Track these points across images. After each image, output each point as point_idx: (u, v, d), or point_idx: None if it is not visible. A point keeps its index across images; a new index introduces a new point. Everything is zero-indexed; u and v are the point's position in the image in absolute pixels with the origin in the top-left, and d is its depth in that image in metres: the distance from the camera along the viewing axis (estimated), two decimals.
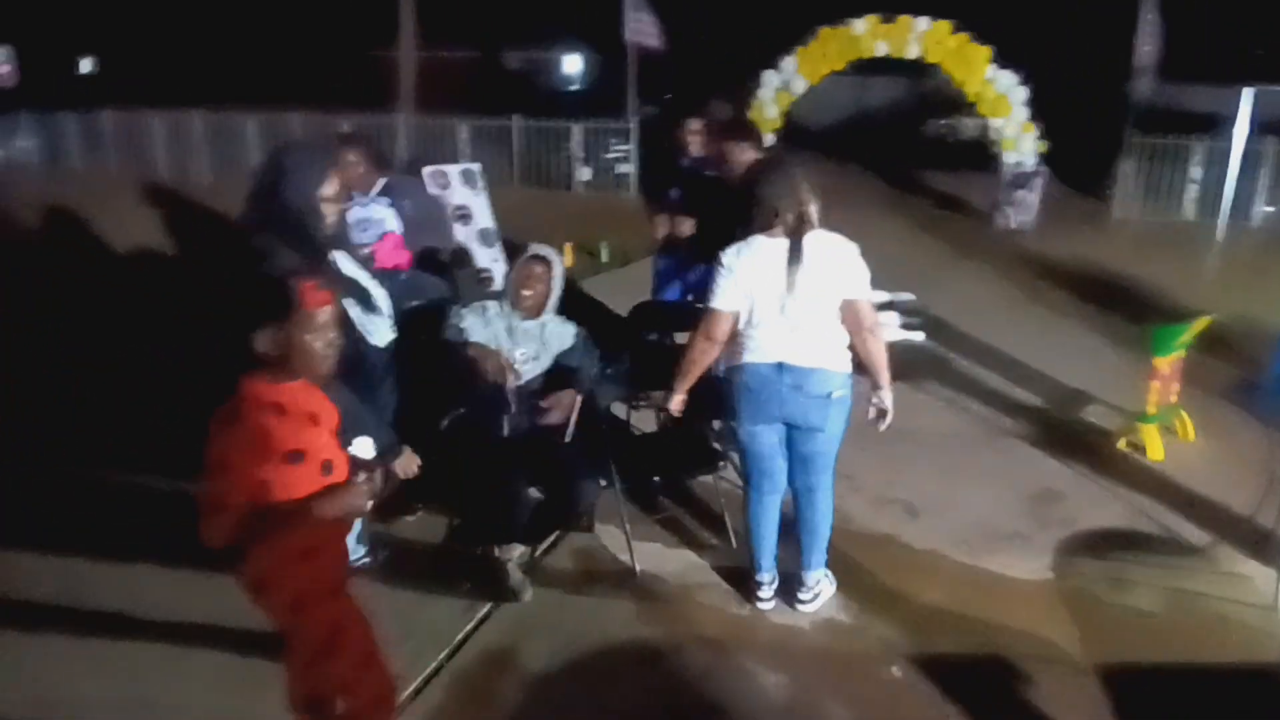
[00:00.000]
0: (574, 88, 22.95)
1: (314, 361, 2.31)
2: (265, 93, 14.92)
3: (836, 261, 3.23)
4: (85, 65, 26.15)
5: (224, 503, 2.18)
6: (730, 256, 3.26)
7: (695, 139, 5.26)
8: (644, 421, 4.64)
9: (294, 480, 2.25)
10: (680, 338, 3.98)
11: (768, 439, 3.40)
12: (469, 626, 3.47)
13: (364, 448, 2.65)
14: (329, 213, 3.13)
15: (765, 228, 3.23)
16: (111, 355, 6.37)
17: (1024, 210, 11.41)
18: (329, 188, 3.10)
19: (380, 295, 3.46)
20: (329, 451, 2.35)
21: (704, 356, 3.39)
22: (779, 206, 3.20)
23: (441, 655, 3.31)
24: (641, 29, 12.38)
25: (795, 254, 3.15)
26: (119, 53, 23.86)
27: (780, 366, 3.25)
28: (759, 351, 3.27)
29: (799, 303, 3.19)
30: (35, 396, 5.72)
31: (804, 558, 3.57)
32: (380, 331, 3.46)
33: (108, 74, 23.20)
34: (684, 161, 5.31)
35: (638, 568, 3.84)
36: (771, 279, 3.19)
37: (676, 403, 3.47)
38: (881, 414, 3.41)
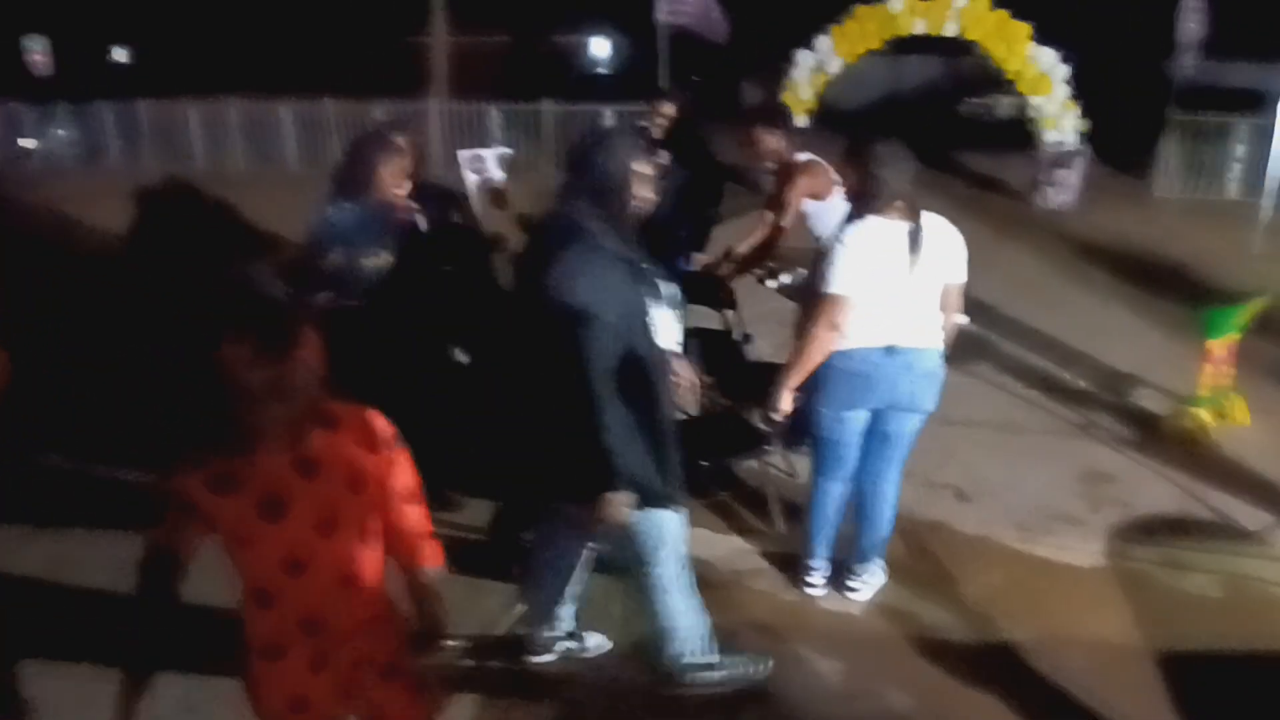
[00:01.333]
0: (605, 71, 22.94)
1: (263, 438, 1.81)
2: (299, 81, 14.99)
3: (948, 246, 3.21)
4: (119, 54, 26.44)
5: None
6: (850, 239, 3.12)
7: (661, 123, 5.12)
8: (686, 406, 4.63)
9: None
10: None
11: (854, 427, 3.33)
12: (518, 610, 3.49)
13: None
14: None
15: (881, 209, 3.13)
16: (138, 348, 6.42)
17: (1064, 190, 11.26)
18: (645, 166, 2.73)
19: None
20: (294, 548, 1.85)
21: (826, 347, 3.16)
22: (899, 189, 3.15)
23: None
24: (679, 8, 12.24)
25: (916, 237, 3.10)
26: (153, 42, 24.09)
27: (890, 350, 3.16)
28: (869, 335, 3.16)
29: (916, 286, 3.14)
30: (61, 389, 5.76)
31: (863, 549, 3.54)
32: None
33: (143, 63, 23.43)
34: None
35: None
36: (891, 262, 3.10)
37: (787, 401, 3.29)
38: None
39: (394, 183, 3.67)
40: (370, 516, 1.94)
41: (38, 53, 21.20)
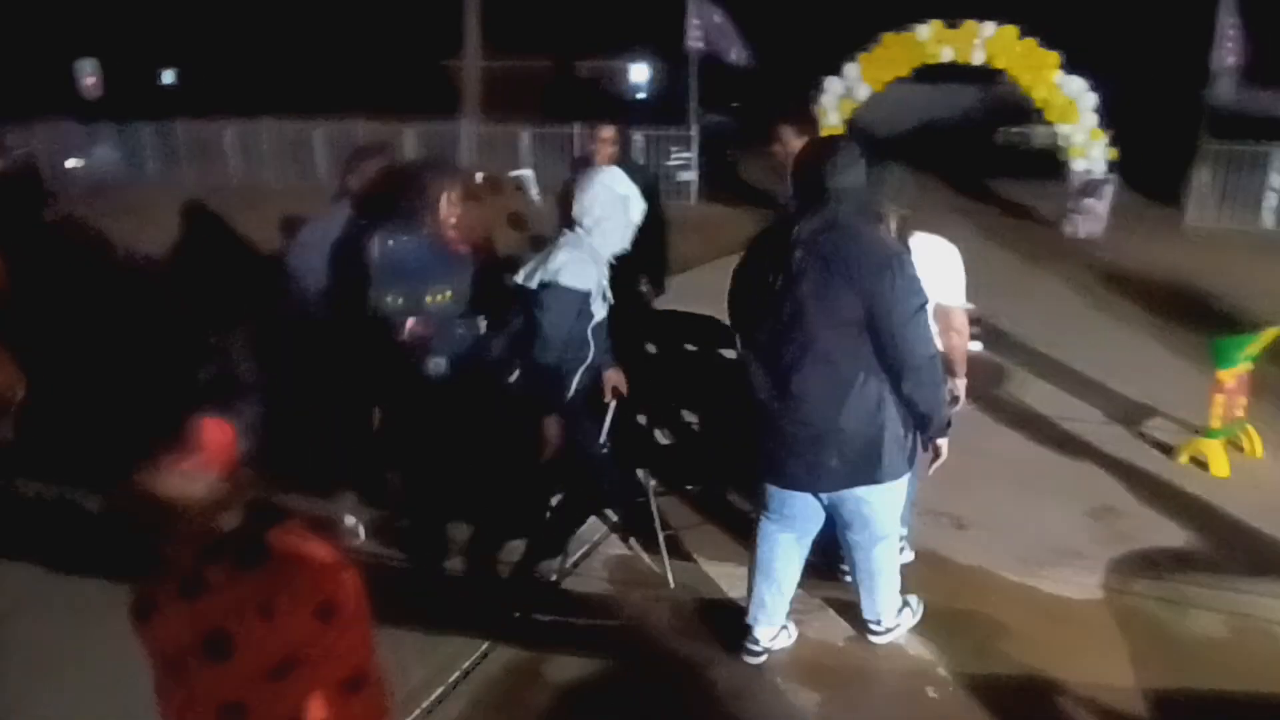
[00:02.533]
0: (637, 96, 23.10)
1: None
2: (333, 102, 15.28)
3: (938, 264, 3.17)
4: (167, 77, 27.13)
5: None
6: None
7: (605, 148, 5.04)
8: (675, 430, 4.63)
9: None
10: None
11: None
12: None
13: None
14: None
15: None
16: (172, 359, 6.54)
17: (1093, 219, 11.12)
18: None
19: None
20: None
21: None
22: (886, 206, 3.13)
23: (469, 661, 3.32)
24: (711, 38, 12.34)
25: None
26: (195, 64, 24.69)
27: None
28: None
29: None
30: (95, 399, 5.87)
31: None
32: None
33: (184, 85, 24.01)
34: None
35: (672, 579, 3.80)
36: None
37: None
38: (955, 400, 3.45)
39: (451, 214, 3.63)
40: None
41: (89, 75, 21.86)
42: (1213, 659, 3.36)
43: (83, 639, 3.38)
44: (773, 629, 3.31)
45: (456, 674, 3.24)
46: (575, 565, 3.94)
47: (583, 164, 5.22)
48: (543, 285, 3.37)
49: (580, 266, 3.38)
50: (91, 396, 5.84)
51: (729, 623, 3.54)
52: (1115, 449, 5.04)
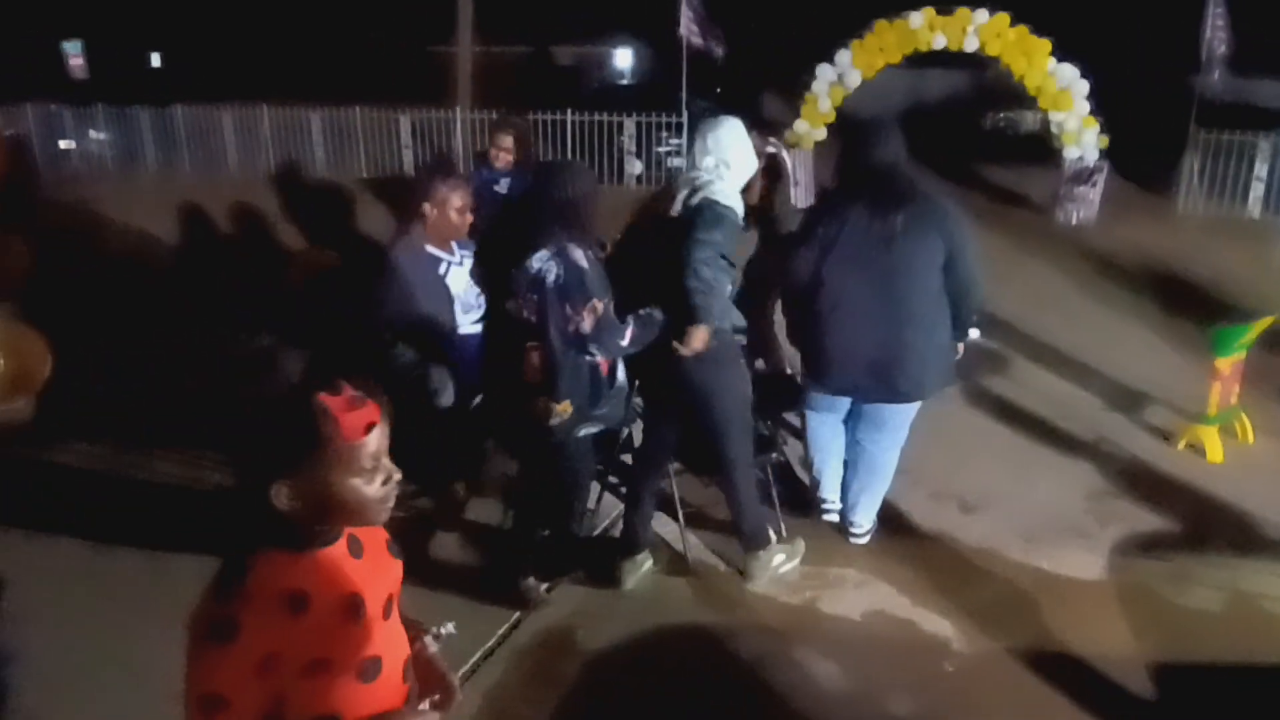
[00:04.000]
0: (627, 82, 23.07)
1: (371, 509, 1.57)
2: (328, 89, 15.22)
3: None
4: (154, 60, 26.90)
5: None
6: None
7: (502, 155, 5.03)
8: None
9: (319, 698, 1.56)
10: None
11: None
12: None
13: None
14: None
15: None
16: (165, 348, 6.59)
17: (1085, 206, 11.24)
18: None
19: None
20: (375, 646, 1.61)
21: None
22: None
23: (499, 632, 3.44)
24: (694, 26, 12.41)
25: None
26: (188, 49, 24.50)
27: None
28: None
29: None
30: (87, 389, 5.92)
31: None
32: None
33: (178, 70, 23.81)
34: (484, 173, 5.12)
35: (690, 555, 3.93)
36: None
37: None
38: None
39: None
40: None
41: (75, 57, 21.69)
42: (1209, 631, 3.51)
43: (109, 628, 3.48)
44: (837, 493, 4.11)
45: (493, 641, 3.38)
46: (598, 538, 4.05)
47: (480, 160, 5.37)
48: (705, 203, 3.29)
49: (732, 194, 3.39)
50: (110, 375, 5.92)
51: (747, 600, 3.68)
52: (1114, 434, 5.18)
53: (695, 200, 3.32)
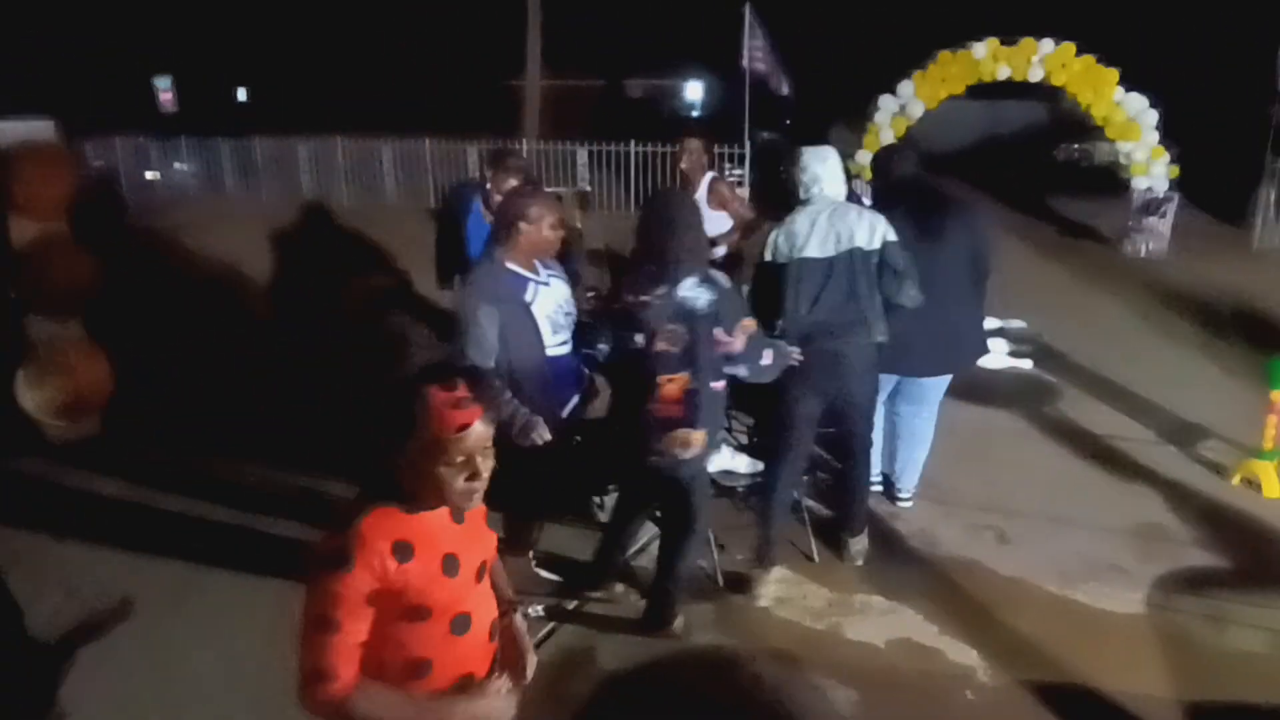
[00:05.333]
0: (692, 114, 23.31)
1: (453, 497, 1.75)
2: (400, 121, 15.73)
3: None
4: (241, 94, 28.11)
5: (327, 672, 1.68)
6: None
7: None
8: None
9: (414, 642, 1.78)
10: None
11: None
12: (550, 624, 3.64)
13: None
14: None
15: None
16: (244, 366, 6.87)
17: (1155, 237, 10.98)
18: None
19: None
20: (467, 603, 1.83)
21: None
22: None
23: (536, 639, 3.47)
24: (759, 58, 12.52)
25: None
26: (270, 83, 25.53)
27: None
28: None
29: None
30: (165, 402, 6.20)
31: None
32: None
33: (259, 103, 24.85)
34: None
35: (720, 577, 3.93)
36: None
37: None
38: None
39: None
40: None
41: (165, 91, 22.78)
42: (1250, 673, 3.38)
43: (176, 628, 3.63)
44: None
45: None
46: (630, 559, 4.07)
47: (471, 191, 4.94)
48: (886, 243, 3.69)
49: None
50: (175, 390, 6.19)
51: (771, 624, 3.67)
52: (1166, 468, 5.04)
53: (883, 233, 3.69)
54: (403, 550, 1.69)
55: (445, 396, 1.67)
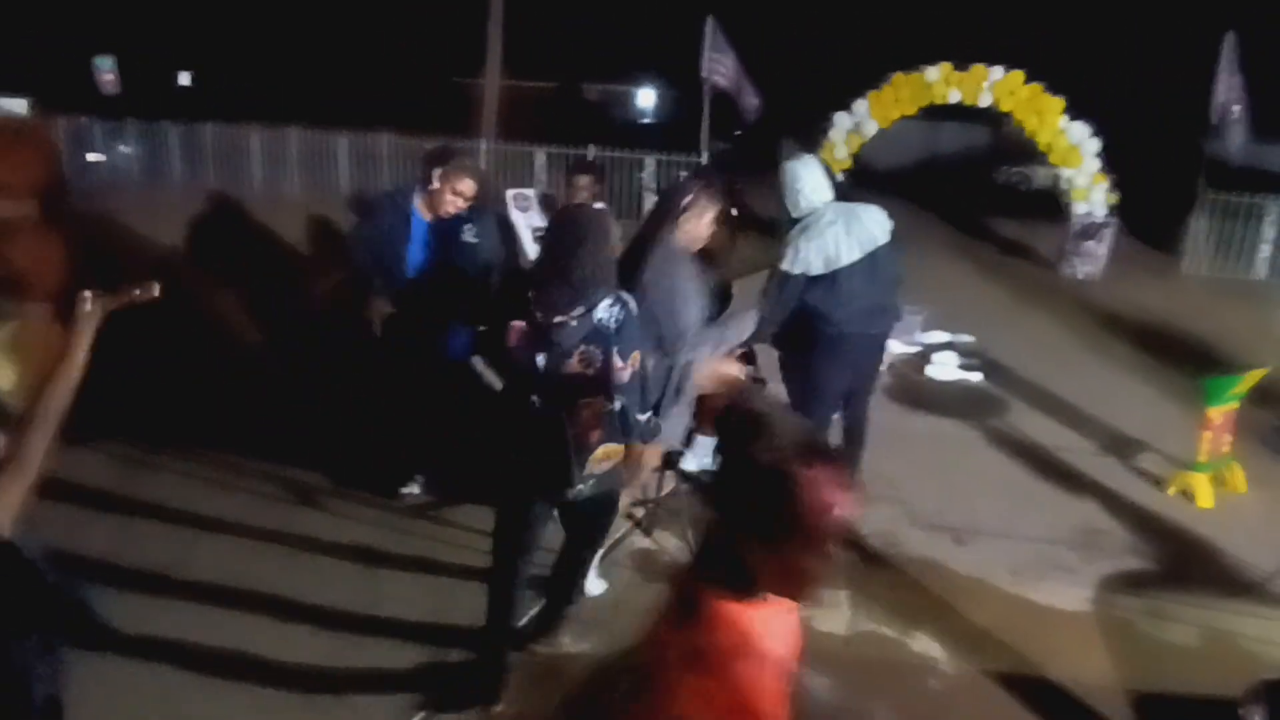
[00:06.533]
0: (649, 121, 23.55)
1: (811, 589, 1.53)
2: (356, 114, 15.62)
3: None
4: (184, 78, 27.46)
5: None
6: None
7: (458, 201, 4.42)
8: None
9: None
10: None
11: None
12: (523, 622, 3.68)
13: None
14: None
15: None
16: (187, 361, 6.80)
17: (1091, 261, 11.46)
18: None
19: None
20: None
21: None
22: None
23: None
24: (718, 69, 12.73)
25: None
26: (217, 68, 25.04)
27: None
28: None
29: None
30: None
31: None
32: None
33: (208, 88, 24.34)
34: (432, 223, 4.44)
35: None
36: None
37: None
38: None
39: None
40: None
41: (107, 72, 22.16)
42: (1186, 665, 3.65)
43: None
44: None
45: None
46: (601, 557, 4.18)
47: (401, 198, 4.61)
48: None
49: None
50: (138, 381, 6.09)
51: None
52: (1108, 478, 5.33)
53: (889, 224, 4.29)
54: (754, 649, 1.49)
55: (822, 475, 1.44)
